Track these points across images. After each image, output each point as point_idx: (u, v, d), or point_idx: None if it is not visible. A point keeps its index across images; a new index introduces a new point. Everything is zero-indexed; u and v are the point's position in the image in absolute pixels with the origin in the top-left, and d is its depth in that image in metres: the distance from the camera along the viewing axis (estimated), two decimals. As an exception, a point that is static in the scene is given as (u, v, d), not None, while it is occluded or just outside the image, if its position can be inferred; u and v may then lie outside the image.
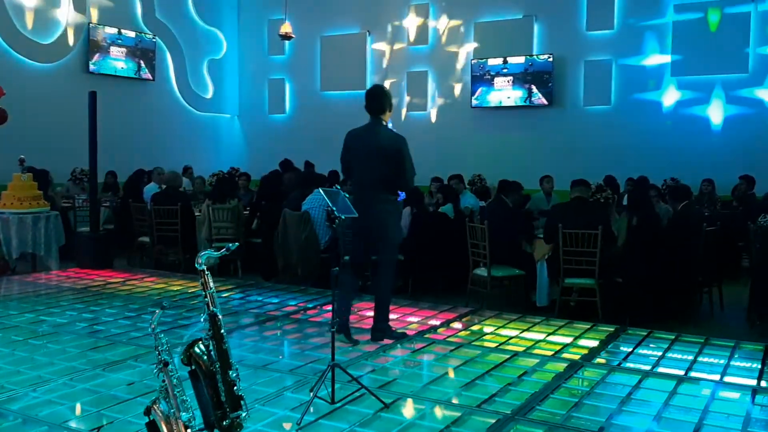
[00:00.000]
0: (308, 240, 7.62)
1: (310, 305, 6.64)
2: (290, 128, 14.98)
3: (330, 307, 5.83)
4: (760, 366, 4.83)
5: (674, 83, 11.45)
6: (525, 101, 12.38)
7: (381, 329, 5.39)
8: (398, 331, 5.55)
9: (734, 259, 8.50)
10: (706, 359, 5.00)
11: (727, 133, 11.14)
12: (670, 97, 11.54)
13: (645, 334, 5.61)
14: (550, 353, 5.06)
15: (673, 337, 5.52)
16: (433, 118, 13.35)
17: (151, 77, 13.60)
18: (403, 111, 13.69)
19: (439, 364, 4.88)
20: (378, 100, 5.31)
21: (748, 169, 10.00)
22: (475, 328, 5.86)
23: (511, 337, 5.50)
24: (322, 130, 14.25)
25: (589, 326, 5.85)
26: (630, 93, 11.79)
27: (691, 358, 4.99)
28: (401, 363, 4.86)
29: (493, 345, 5.28)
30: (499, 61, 12.53)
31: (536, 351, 5.14)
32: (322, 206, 7.79)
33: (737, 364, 4.89)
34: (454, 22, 13.18)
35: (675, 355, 5.07)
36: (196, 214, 8.86)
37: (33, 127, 11.09)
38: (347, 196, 4.60)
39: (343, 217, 4.12)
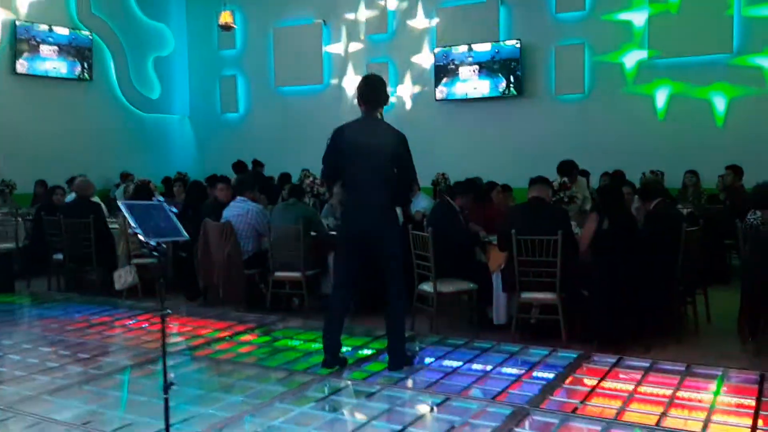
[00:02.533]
0: (231, 256, 6.58)
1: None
2: (245, 127, 13.96)
3: (250, 338, 5.19)
4: (753, 403, 3.84)
5: (654, 66, 10.47)
6: (493, 92, 11.38)
7: (401, 355, 4.58)
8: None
9: (723, 260, 7.53)
10: (686, 396, 4.00)
11: (711, 119, 10.19)
12: (649, 83, 10.56)
13: (614, 361, 4.60)
14: (490, 396, 4.03)
15: (648, 365, 4.52)
16: (395, 114, 12.32)
17: (88, 77, 12.54)
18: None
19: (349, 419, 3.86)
20: (377, 90, 4.62)
21: (736, 159, 9.04)
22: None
23: (449, 372, 4.48)
24: (279, 129, 13.27)
25: (546, 353, 4.84)
26: (605, 79, 10.81)
27: (668, 394, 3.99)
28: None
29: (423, 386, 4.25)
30: (463, 48, 11.53)
31: (476, 388, 4.13)
32: (246, 214, 6.78)
33: (724, 402, 3.90)
34: (415, 8, 12.16)
35: (648, 391, 4.07)
36: (114, 227, 7.81)
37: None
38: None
39: (162, 245, 3.06)
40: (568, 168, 7.06)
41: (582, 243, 5.49)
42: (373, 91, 4.61)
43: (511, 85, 11.21)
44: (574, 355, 4.72)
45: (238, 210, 6.80)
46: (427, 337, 5.41)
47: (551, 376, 4.33)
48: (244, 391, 4.12)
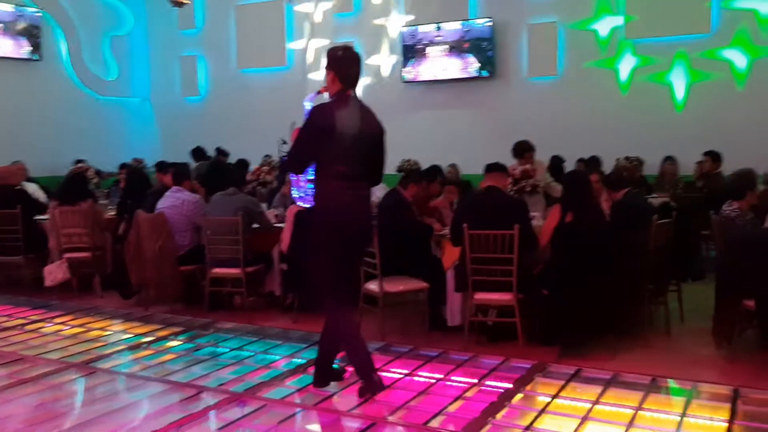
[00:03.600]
0: (162, 250, 6.01)
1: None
2: (206, 112, 13.27)
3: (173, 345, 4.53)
4: (725, 425, 3.35)
5: (630, 48, 9.92)
6: (463, 73, 10.79)
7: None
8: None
9: (698, 253, 7.03)
10: (649, 416, 3.49)
11: (691, 104, 9.67)
12: (626, 64, 10.01)
13: (572, 373, 4.09)
14: (424, 419, 3.50)
15: (609, 377, 4.01)
16: (361, 96, 11.69)
17: (37, 57, 11.80)
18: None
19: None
20: (359, 65, 3.96)
21: (714, 144, 8.55)
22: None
23: (388, 386, 3.94)
24: (241, 113, 12.62)
25: (499, 362, 4.32)
26: (580, 61, 10.24)
27: (629, 414, 3.49)
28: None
29: (350, 405, 3.71)
30: (431, 27, 10.93)
31: (410, 409, 3.60)
32: (182, 205, 6.20)
33: (692, 424, 3.40)
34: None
35: (607, 410, 3.56)
36: (42, 218, 7.19)
37: None
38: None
39: None
40: (521, 149, 6.54)
41: (542, 238, 4.96)
42: (356, 65, 3.93)
43: (482, 66, 10.62)
44: (528, 366, 4.19)
45: (173, 201, 6.23)
46: (370, 343, 4.85)
47: (500, 391, 3.80)
48: (138, 413, 3.56)
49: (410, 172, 5.94)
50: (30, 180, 9.18)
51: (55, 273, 6.84)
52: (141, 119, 13.96)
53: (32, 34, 11.70)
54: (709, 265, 6.54)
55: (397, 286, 5.22)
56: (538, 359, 4.44)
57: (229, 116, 12.73)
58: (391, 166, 9.90)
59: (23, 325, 5.37)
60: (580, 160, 8.83)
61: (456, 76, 10.83)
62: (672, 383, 3.91)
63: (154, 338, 4.93)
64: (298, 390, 3.88)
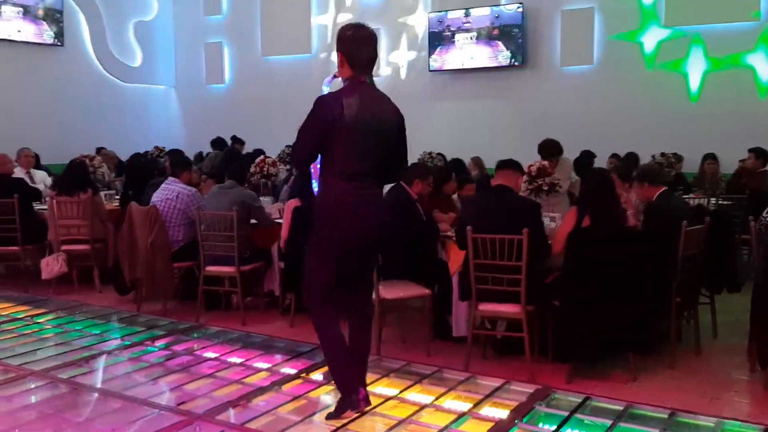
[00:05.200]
0: (155, 246, 5.67)
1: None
2: (230, 99, 13.01)
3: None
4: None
5: (672, 33, 9.24)
6: (492, 62, 10.25)
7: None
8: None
9: (734, 261, 6.39)
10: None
11: (736, 99, 8.98)
12: (669, 51, 9.35)
13: (578, 402, 3.59)
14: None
15: (622, 409, 3.50)
16: (385, 86, 11.21)
17: (59, 43, 11.65)
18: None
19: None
20: (376, 46, 3.41)
21: (761, 141, 7.87)
22: (324, 391, 3.83)
23: (373, 407, 3.51)
24: (265, 101, 12.31)
25: (498, 385, 3.84)
26: (617, 48, 9.62)
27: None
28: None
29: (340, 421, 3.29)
30: (460, 14, 10.40)
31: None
32: (176, 198, 5.86)
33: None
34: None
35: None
36: (42, 207, 6.94)
37: None
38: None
39: None
40: (549, 149, 5.99)
41: (555, 244, 4.46)
42: (372, 47, 3.37)
43: (512, 54, 10.06)
44: (530, 391, 3.71)
45: (167, 193, 5.88)
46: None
47: (492, 422, 3.33)
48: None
49: (415, 166, 5.43)
50: (41, 167, 9.04)
51: (51, 265, 6.57)
52: (165, 107, 13.76)
53: (54, 18, 11.54)
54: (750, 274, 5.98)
55: (396, 292, 4.77)
56: (544, 381, 3.96)
57: (252, 104, 12.44)
58: (412, 159, 9.54)
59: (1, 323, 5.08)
60: (614, 156, 8.24)
61: (485, 65, 10.32)
62: (693, 418, 3.39)
63: (129, 343, 4.58)
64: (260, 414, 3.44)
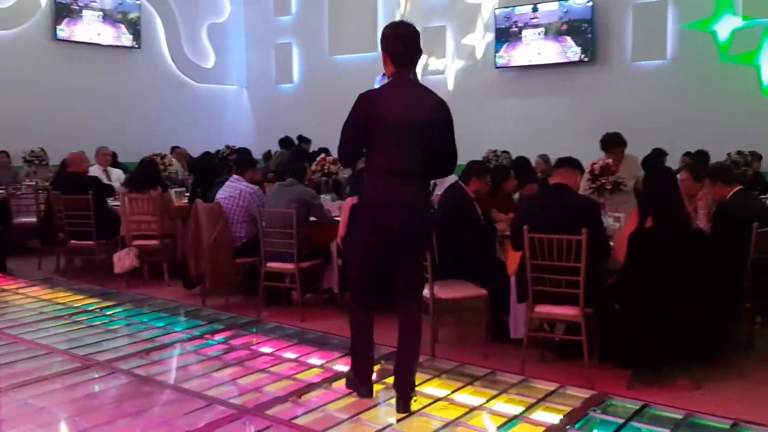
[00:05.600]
0: (218, 242, 5.80)
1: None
2: (298, 99, 13.17)
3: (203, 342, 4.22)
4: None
5: (747, 24, 8.80)
6: (559, 58, 10.03)
7: (412, 385, 3.46)
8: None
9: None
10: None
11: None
12: (742, 42, 8.91)
13: (636, 409, 3.47)
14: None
15: (681, 417, 3.36)
16: (451, 83, 11.17)
17: (136, 45, 12.08)
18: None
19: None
20: (417, 43, 3.46)
21: None
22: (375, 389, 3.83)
23: (423, 407, 3.48)
24: (332, 101, 12.33)
25: (552, 389, 3.75)
26: (690, 41, 9.23)
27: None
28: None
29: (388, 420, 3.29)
30: (527, 9, 10.22)
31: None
32: (239, 196, 5.97)
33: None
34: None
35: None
36: (113, 204, 7.21)
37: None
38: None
39: None
40: (609, 142, 5.78)
41: (618, 246, 4.31)
42: (411, 44, 3.42)
43: (581, 50, 9.80)
44: (585, 396, 3.61)
45: (230, 191, 6.01)
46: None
47: (543, 427, 3.26)
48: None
49: (473, 164, 5.35)
50: (119, 166, 9.41)
51: (123, 260, 6.82)
52: (237, 106, 14.08)
53: (132, 22, 11.97)
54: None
55: (451, 292, 4.72)
56: (602, 388, 3.84)
57: (319, 103, 12.55)
58: (477, 156, 9.43)
59: (71, 314, 5.30)
60: (687, 155, 7.92)
61: (553, 61, 10.10)
62: (758, 428, 3.21)
63: (190, 337, 4.71)
64: (308, 411, 3.47)
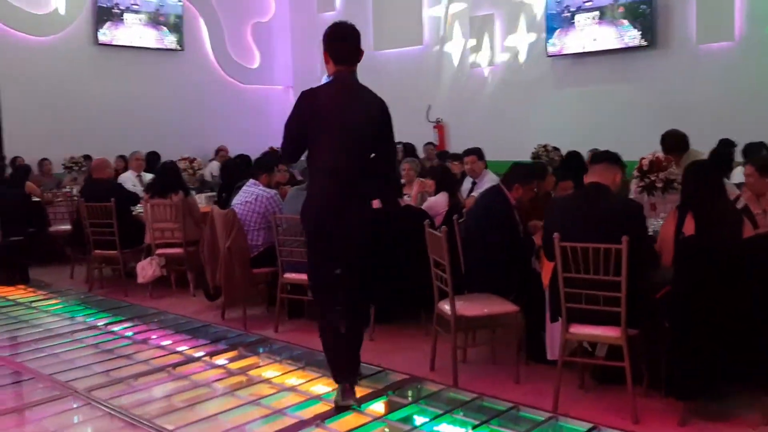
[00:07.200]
0: (232, 251, 5.41)
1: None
2: (344, 97, 12.75)
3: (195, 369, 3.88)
4: None
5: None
6: (616, 43, 9.26)
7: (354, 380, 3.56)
8: None
9: None
10: None
11: None
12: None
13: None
14: None
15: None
16: (501, 73, 10.52)
17: (179, 47, 11.93)
18: (464, 67, 10.99)
19: None
20: (357, 43, 3.58)
21: None
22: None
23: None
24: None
25: (585, 430, 3.17)
26: (764, 21, 8.33)
27: None
28: None
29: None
30: (581, -8, 9.50)
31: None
32: (255, 201, 5.57)
33: None
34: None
35: None
36: (139, 212, 6.94)
37: (33, 109, 9.92)
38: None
39: None
40: (670, 142, 5.09)
41: (664, 253, 3.68)
42: (353, 42, 3.53)
43: (640, 33, 9.01)
44: (621, 438, 3.02)
45: (246, 196, 5.62)
46: (424, 384, 3.87)
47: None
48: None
49: (517, 168, 4.70)
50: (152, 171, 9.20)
51: (146, 269, 6.54)
52: (283, 107, 13.74)
53: (174, 24, 11.82)
54: None
55: (476, 308, 4.17)
56: (649, 423, 3.25)
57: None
58: (526, 152, 8.83)
59: (74, 332, 5.00)
60: (751, 145, 7.05)
61: (609, 47, 9.34)
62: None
63: (186, 360, 4.31)
64: None
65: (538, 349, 4.38)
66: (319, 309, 3.62)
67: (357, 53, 3.52)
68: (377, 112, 3.47)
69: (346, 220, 3.41)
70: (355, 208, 3.46)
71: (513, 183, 4.55)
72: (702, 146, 6.56)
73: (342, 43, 3.50)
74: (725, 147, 6.68)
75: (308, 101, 3.45)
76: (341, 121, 3.42)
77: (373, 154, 3.49)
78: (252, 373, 4.03)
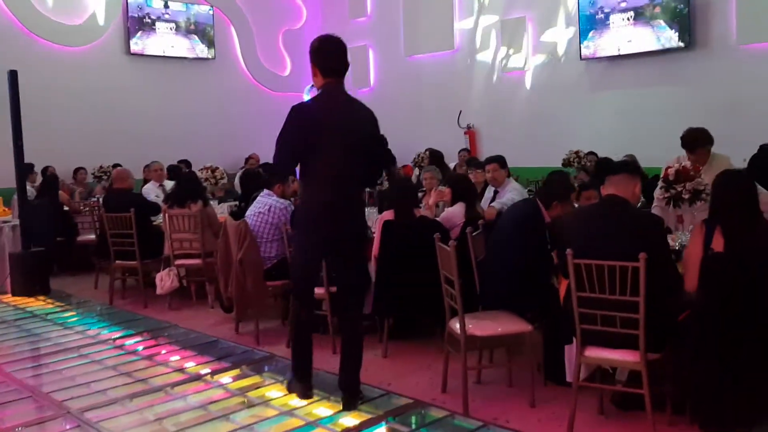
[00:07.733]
0: (244, 263, 5.29)
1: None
2: (375, 103, 12.26)
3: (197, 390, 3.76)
4: None
5: None
6: (652, 45, 8.90)
7: (357, 387, 3.74)
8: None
9: None
10: None
11: None
12: None
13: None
14: None
15: None
16: (532, 78, 10.22)
17: (210, 56, 11.94)
18: (496, 71, 10.72)
19: None
20: (344, 56, 3.80)
21: None
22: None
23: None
24: (410, 103, 11.77)
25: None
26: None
27: None
28: None
29: None
30: (615, -8, 9.16)
31: None
32: (268, 212, 5.45)
33: None
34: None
35: None
36: (158, 221, 6.89)
37: (67, 119, 10.06)
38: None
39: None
40: (691, 140, 4.77)
41: (687, 273, 3.41)
42: (342, 55, 3.74)
43: (677, 34, 8.64)
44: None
45: (259, 206, 5.52)
46: (428, 410, 3.66)
47: None
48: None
49: (555, 185, 4.32)
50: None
51: (165, 281, 6.48)
52: (315, 113, 13.71)
53: (205, 32, 11.84)
54: None
55: (488, 327, 3.95)
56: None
57: (398, 106, 11.92)
58: (557, 158, 8.54)
59: (81, 347, 4.93)
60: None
61: (644, 49, 8.98)
62: None
63: (187, 379, 4.18)
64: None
65: (558, 370, 4.14)
66: (297, 305, 3.76)
67: (345, 65, 3.70)
68: (371, 123, 3.76)
69: (349, 224, 3.64)
70: (356, 211, 3.75)
71: (552, 200, 4.25)
72: (746, 151, 6.23)
73: (330, 56, 3.66)
74: (765, 153, 6.30)
75: (303, 114, 3.59)
76: (340, 131, 3.57)
77: (371, 159, 3.74)
78: (252, 394, 3.87)
